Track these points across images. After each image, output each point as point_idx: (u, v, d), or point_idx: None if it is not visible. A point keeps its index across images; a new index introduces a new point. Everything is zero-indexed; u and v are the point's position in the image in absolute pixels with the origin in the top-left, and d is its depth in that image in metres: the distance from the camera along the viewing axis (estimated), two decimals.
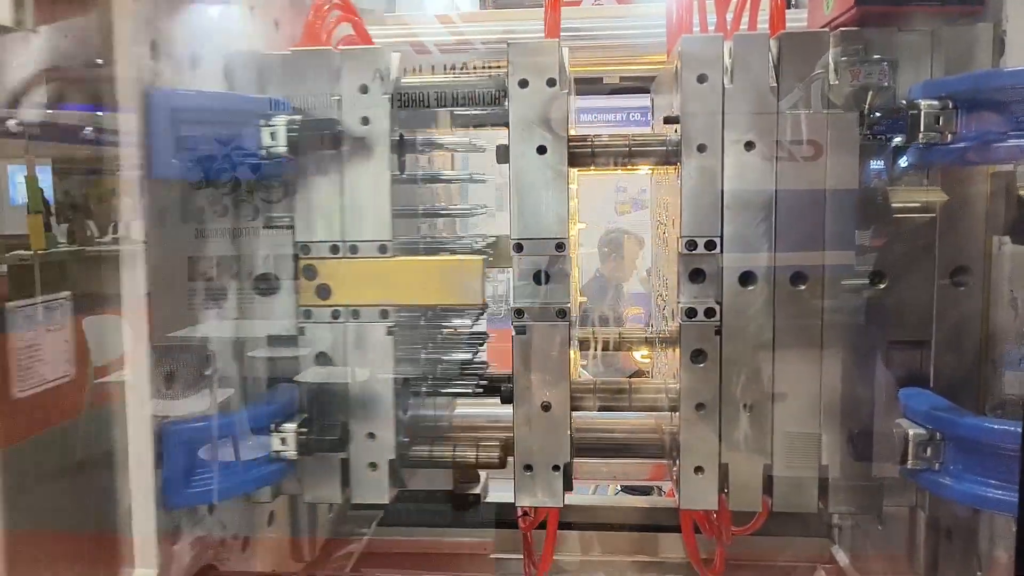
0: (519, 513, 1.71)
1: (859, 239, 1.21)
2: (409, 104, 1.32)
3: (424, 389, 1.51)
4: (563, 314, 1.26)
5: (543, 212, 1.25)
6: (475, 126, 1.64)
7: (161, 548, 1.11)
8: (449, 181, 1.62)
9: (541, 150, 1.24)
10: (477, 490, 1.89)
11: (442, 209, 1.57)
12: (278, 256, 1.30)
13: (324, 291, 1.29)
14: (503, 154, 1.26)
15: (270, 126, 1.19)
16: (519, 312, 1.26)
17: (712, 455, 1.23)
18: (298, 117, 1.22)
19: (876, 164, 1.19)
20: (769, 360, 1.21)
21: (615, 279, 3.62)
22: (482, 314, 1.67)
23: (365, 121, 1.27)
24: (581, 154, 1.27)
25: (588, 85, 2.31)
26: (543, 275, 1.26)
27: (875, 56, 1.16)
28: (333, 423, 1.29)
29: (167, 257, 1.16)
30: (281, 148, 1.19)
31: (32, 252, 1.05)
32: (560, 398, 1.27)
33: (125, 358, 1.08)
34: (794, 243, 1.20)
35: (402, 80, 1.31)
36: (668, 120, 1.23)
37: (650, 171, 1.74)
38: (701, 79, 1.19)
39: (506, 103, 1.25)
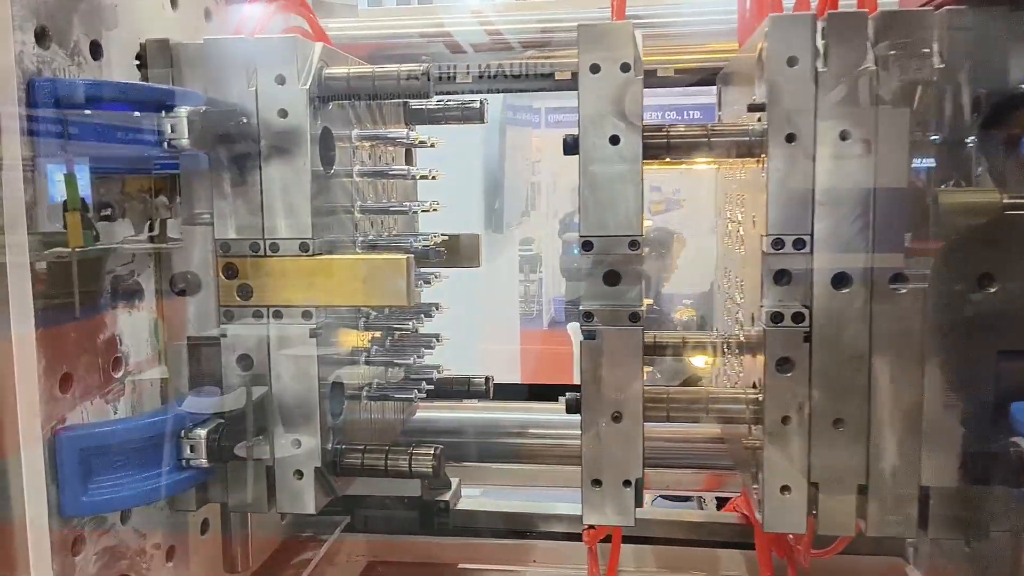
0: (585, 526, 1.63)
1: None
2: (333, 97, 1.25)
3: (367, 393, 1.45)
4: (636, 318, 1.16)
5: (616, 207, 1.15)
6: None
7: (59, 559, 1.04)
8: (386, 176, 1.53)
9: (614, 140, 1.14)
10: (447, 496, 1.82)
11: (378, 208, 1.48)
12: (199, 254, 1.24)
13: (245, 291, 1.22)
14: (572, 145, 1.17)
15: (171, 117, 1.11)
16: (588, 315, 1.17)
17: (800, 474, 1.13)
18: (202, 108, 1.14)
19: (987, 155, 1.08)
20: (864, 370, 1.11)
21: (656, 279, 3.51)
22: (429, 315, 1.59)
23: (283, 114, 1.19)
24: (655, 145, 1.17)
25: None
26: (615, 275, 1.17)
27: (988, 37, 1.06)
28: (245, 429, 1.22)
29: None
30: (183, 140, 1.11)
31: (71, 249, 1.04)
32: (632, 408, 1.17)
33: (13, 360, 0.99)
34: (894, 242, 1.09)
35: (325, 71, 1.23)
36: (753, 108, 1.13)
37: (716, 167, 1.64)
38: (791, 62, 1.09)
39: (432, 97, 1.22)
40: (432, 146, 1.51)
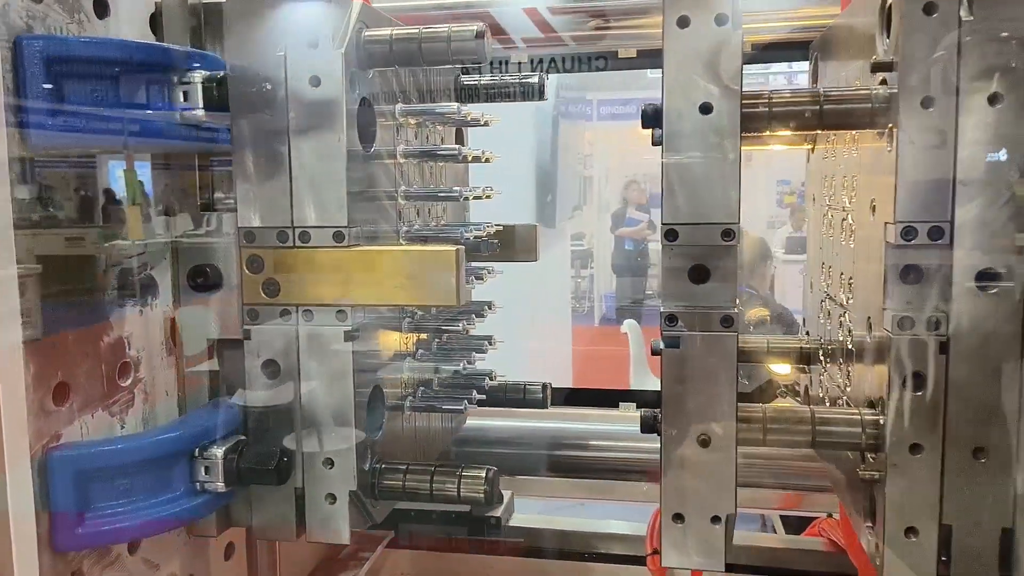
0: (648, 550, 1.45)
1: None
2: (373, 63, 1.06)
3: (410, 404, 1.27)
4: (729, 322, 0.97)
5: (706, 190, 0.96)
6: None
7: None
8: (434, 157, 1.33)
9: (705, 109, 0.95)
10: (499, 512, 1.64)
11: (425, 193, 1.30)
12: (221, 245, 1.09)
13: (272, 287, 1.05)
14: (652, 117, 0.98)
15: (184, 84, 0.95)
16: (671, 319, 0.98)
17: (930, 513, 0.93)
18: (220, 73, 0.97)
19: None
20: (1015, 388, 0.90)
21: None
22: (481, 315, 1.40)
23: (315, 82, 1.00)
24: (755, 115, 0.98)
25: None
26: (704, 271, 0.98)
27: None
28: (270, 448, 1.05)
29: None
30: (198, 111, 0.96)
31: (131, 242, 1.01)
32: (724, 430, 0.98)
33: None
34: None
35: (364, 33, 1.05)
36: (878, 67, 0.93)
37: (809, 146, 1.43)
38: (929, 9, 0.88)
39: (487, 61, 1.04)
40: (486, 124, 1.33)
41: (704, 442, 0.98)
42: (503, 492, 1.72)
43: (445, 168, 1.41)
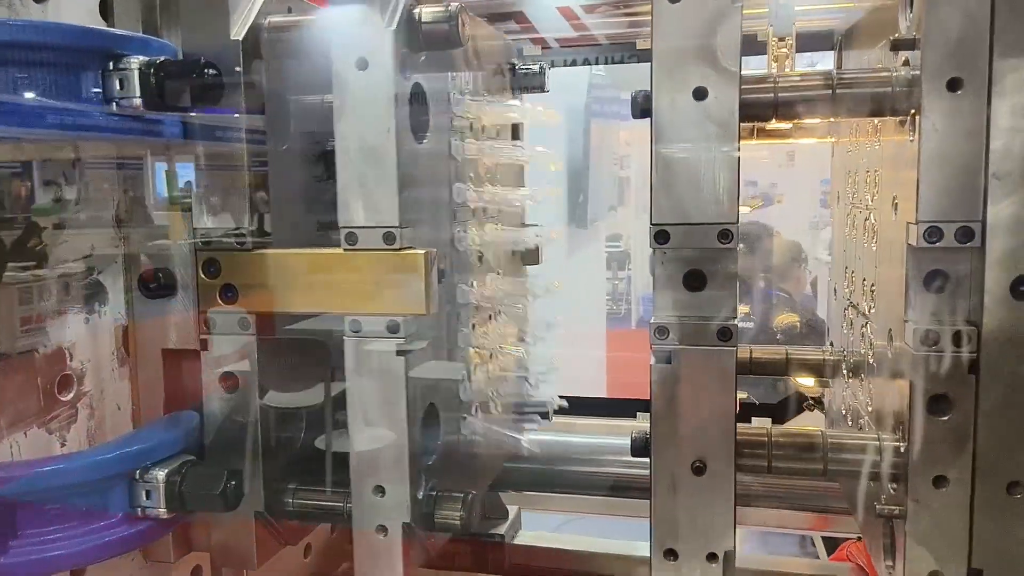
0: None
1: None
2: (429, 43, 0.94)
3: (467, 428, 1.15)
4: (727, 335, 0.86)
5: (700, 186, 0.85)
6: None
7: None
8: (495, 153, 1.21)
9: (700, 94, 0.84)
10: (502, 528, 1.52)
11: (494, 195, 1.18)
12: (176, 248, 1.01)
13: (229, 293, 0.97)
14: (641, 103, 0.88)
15: (119, 71, 0.86)
16: (661, 330, 0.87)
17: (958, 555, 0.81)
18: (160, 59, 0.88)
19: None
20: None
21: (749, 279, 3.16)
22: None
23: (362, 64, 0.90)
24: (758, 102, 0.87)
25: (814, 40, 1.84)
26: (700, 277, 0.87)
27: None
28: (218, 470, 0.95)
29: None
30: (135, 100, 0.86)
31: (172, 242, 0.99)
32: (721, 455, 0.87)
33: None
34: None
35: (419, 9, 0.93)
36: (899, 44, 0.81)
37: (833, 140, 1.31)
38: None
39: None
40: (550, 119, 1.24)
41: (698, 469, 0.87)
42: (508, 507, 1.61)
43: (499, 166, 1.28)
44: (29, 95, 0.79)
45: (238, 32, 0.93)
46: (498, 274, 1.22)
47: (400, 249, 0.91)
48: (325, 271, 0.94)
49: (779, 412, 1.73)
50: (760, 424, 0.99)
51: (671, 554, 0.89)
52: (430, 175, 1.02)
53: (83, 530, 0.88)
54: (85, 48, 0.84)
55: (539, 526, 1.67)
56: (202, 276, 0.97)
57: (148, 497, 0.92)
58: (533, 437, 1.53)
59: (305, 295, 0.95)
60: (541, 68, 1.30)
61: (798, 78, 0.89)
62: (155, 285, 0.99)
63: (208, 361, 0.98)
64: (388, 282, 0.92)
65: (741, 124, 0.85)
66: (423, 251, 0.91)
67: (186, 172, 1.00)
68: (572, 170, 5.25)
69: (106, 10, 0.97)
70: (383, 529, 0.95)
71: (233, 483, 0.93)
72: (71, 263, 0.95)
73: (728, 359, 0.87)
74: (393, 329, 0.93)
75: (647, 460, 0.90)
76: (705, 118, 0.84)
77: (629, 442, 0.94)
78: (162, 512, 0.92)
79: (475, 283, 1.13)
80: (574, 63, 1.77)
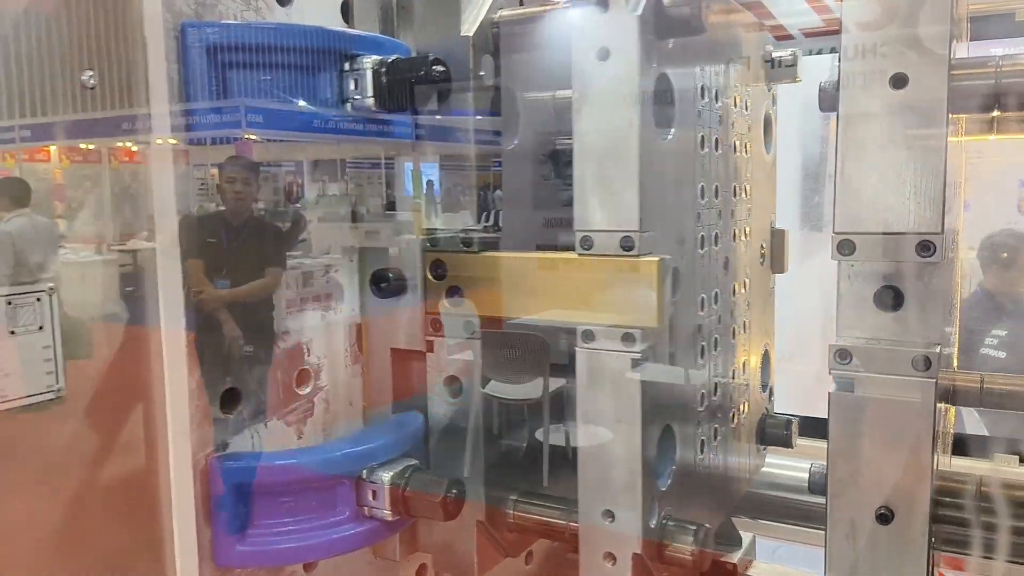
0: None
1: None
2: (673, 30, 0.85)
3: (705, 451, 1.03)
4: (927, 364, 0.74)
5: (893, 189, 0.73)
6: None
7: None
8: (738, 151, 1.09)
9: (898, 82, 0.72)
10: (735, 557, 1.38)
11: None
12: (402, 249, 1.00)
13: (455, 294, 0.95)
14: (831, 96, 0.77)
15: (354, 72, 0.85)
16: (843, 354, 0.76)
17: None
18: (391, 58, 0.85)
19: None
20: None
21: (1009, 296, 2.72)
22: None
23: (603, 54, 0.83)
24: (974, 88, 0.73)
25: (991, 25, 1.61)
26: (896, 295, 0.75)
27: None
28: (439, 477, 0.91)
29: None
30: (367, 99, 0.85)
31: (413, 236, 1.00)
32: (914, 502, 0.75)
33: (165, 372, 0.81)
34: None
35: None
36: None
37: None
38: None
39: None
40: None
41: (884, 517, 0.75)
42: (741, 535, 1.47)
43: (740, 164, 1.17)
44: (287, 99, 0.83)
45: (468, 28, 0.93)
46: (745, 283, 1.13)
47: (634, 256, 0.84)
48: (554, 276, 0.90)
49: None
50: (972, 467, 0.84)
51: None
52: (674, 174, 0.93)
53: (314, 525, 0.88)
54: (324, 49, 0.86)
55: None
56: (429, 277, 0.97)
57: (374, 498, 0.91)
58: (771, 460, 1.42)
59: (532, 300, 0.92)
60: (794, 57, 1.18)
61: None
62: (386, 284, 0.99)
63: (433, 363, 0.98)
64: (619, 290, 0.86)
65: (959, 116, 0.73)
66: (656, 259, 0.84)
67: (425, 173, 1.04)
68: (806, 169, 4.92)
69: (346, 12, 0.98)
70: (611, 557, 0.88)
71: (454, 492, 0.90)
72: (315, 259, 0.98)
73: (928, 392, 0.74)
74: (628, 340, 0.85)
75: None
76: (906, 110, 0.72)
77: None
78: (387, 514, 0.91)
79: (719, 292, 1.04)
80: (819, 52, 1.63)
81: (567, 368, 0.92)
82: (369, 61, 0.87)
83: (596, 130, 0.85)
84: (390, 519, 0.91)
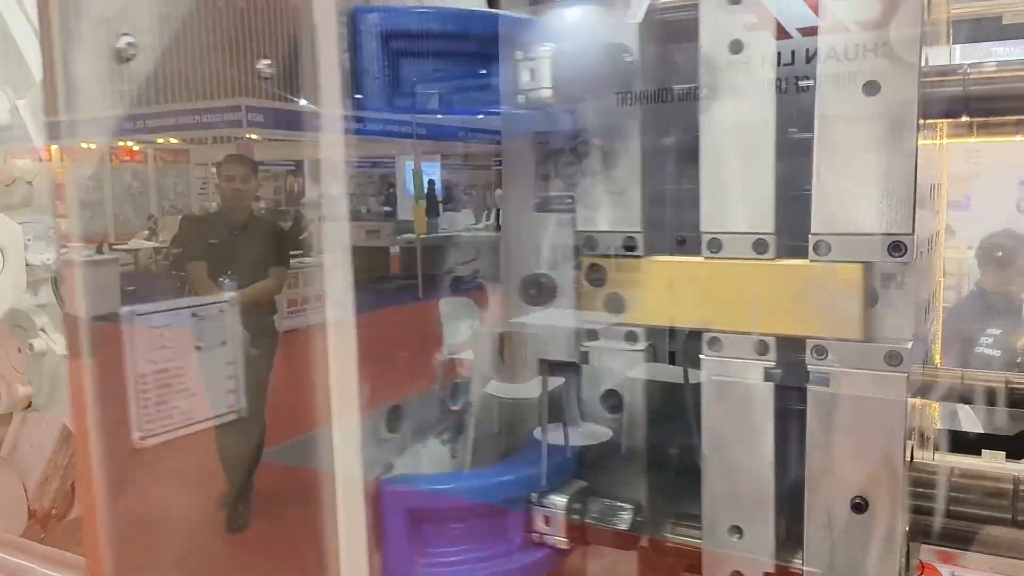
0: None
1: None
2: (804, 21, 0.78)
3: None
4: (899, 359, 0.77)
5: (865, 192, 0.77)
6: None
7: None
8: None
9: (870, 87, 0.76)
10: None
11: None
12: (555, 250, 0.91)
13: (615, 302, 0.86)
14: None
15: (529, 60, 0.78)
16: (819, 350, 0.80)
17: None
18: (572, 47, 0.78)
19: None
20: None
21: (1003, 295, 2.73)
22: None
23: (735, 47, 0.80)
24: (943, 96, 0.77)
25: (976, 29, 1.62)
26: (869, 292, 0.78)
27: None
28: (623, 502, 0.84)
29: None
30: (543, 91, 0.79)
31: (416, 235, 1.10)
32: (888, 492, 0.78)
33: (331, 392, 0.77)
34: None
35: None
36: None
37: None
38: None
39: None
40: None
41: (859, 507, 0.79)
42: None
43: None
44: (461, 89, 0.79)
45: (636, 14, 0.86)
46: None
47: (831, 261, 0.78)
48: (733, 284, 0.83)
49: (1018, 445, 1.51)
50: (949, 460, 0.87)
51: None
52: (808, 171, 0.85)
53: (484, 554, 0.82)
54: (495, 36, 0.80)
55: None
56: (584, 283, 0.89)
57: (547, 524, 0.84)
58: None
59: (709, 310, 0.84)
60: None
61: (994, 68, 0.77)
62: (535, 291, 0.91)
63: (589, 376, 0.91)
64: (813, 300, 0.80)
65: (928, 125, 0.76)
66: (859, 264, 0.77)
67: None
68: None
69: None
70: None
71: (639, 518, 0.85)
72: (460, 265, 0.94)
73: (898, 386, 0.77)
74: (820, 353, 0.79)
75: None
76: (877, 116, 0.76)
77: None
78: (561, 541, 0.83)
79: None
80: None
81: (570, 366, 0.90)
82: (546, 49, 0.79)
83: (726, 126, 0.81)
84: (564, 547, 0.83)
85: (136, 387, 0.77)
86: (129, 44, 0.86)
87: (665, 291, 0.85)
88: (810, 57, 0.78)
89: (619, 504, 0.85)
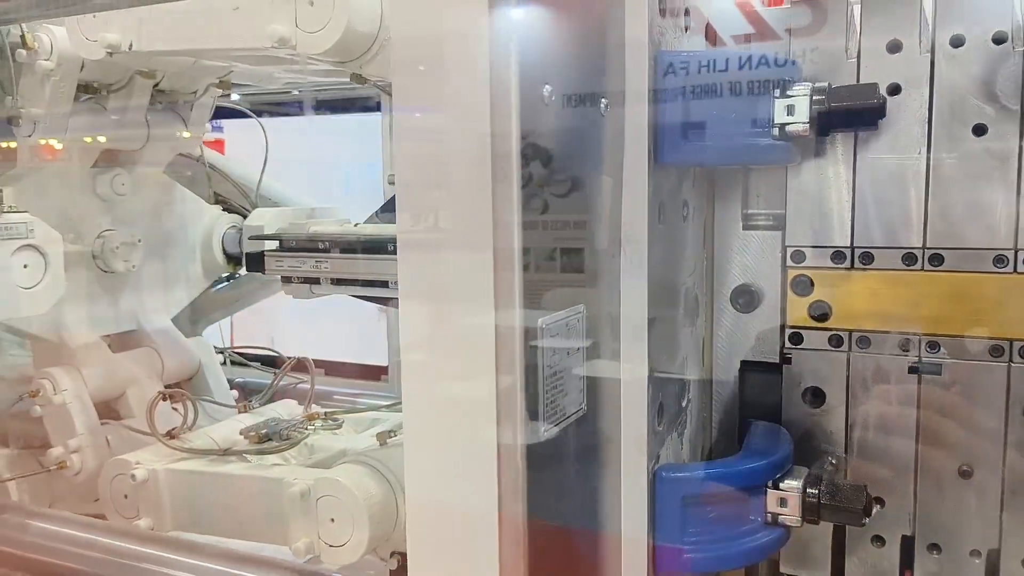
0: None
1: None
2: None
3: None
4: (999, 352, 0.93)
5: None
6: None
7: None
8: None
9: (978, 131, 0.91)
10: None
11: None
12: (760, 264, 1.05)
13: (820, 309, 0.99)
14: None
15: (789, 97, 0.88)
16: (933, 345, 0.95)
17: None
18: (824, 84, 0.89)
19: None
20: None
21: None
22: None
23: (895, 90, 0.94)
24: None
25: None
26: None
27: None
28: (856, 486, 0.93)
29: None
30: (799, 125, 0.88)
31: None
32: (989, 464, 0.94)
33: (622, 390, 0.85)
34: None
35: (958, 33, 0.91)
36: None
37: None
38: None
39: None
40: None
41: (965, 472, 0.95)
42: None
43: None
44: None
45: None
46: None
47: None
48: (961, 296, 0.93)
49: None
50: None
51: (934, 548, 0.97)
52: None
53: (733, 533, 0.91)
54: (768, 76, 0.88)
55: None
56: (792, 294, 1.00)
57: (782, 505, 0.92)
58: None
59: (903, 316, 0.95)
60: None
61: None
62: (743, 300, 1.05)
63: (790, 376, 1.01)
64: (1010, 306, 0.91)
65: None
66: None
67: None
68: None
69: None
70: (880, 540, 0.99)
71: (870, 497, 0.92)
72: (687, 277, 1.00)
73: (1000, 377, 0.92)
74: (906, 346, 0.94)
75: None
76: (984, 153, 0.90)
77: None
78: (795, 520, 0.91)
79: None
80: None
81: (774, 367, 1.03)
82: (802, 87, 0.88)
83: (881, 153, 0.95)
84: (797, 525, 0.92)
85: None
86: None
87: (874, 306, 0.96)
88: None
89: (854, 485, 0.93)
